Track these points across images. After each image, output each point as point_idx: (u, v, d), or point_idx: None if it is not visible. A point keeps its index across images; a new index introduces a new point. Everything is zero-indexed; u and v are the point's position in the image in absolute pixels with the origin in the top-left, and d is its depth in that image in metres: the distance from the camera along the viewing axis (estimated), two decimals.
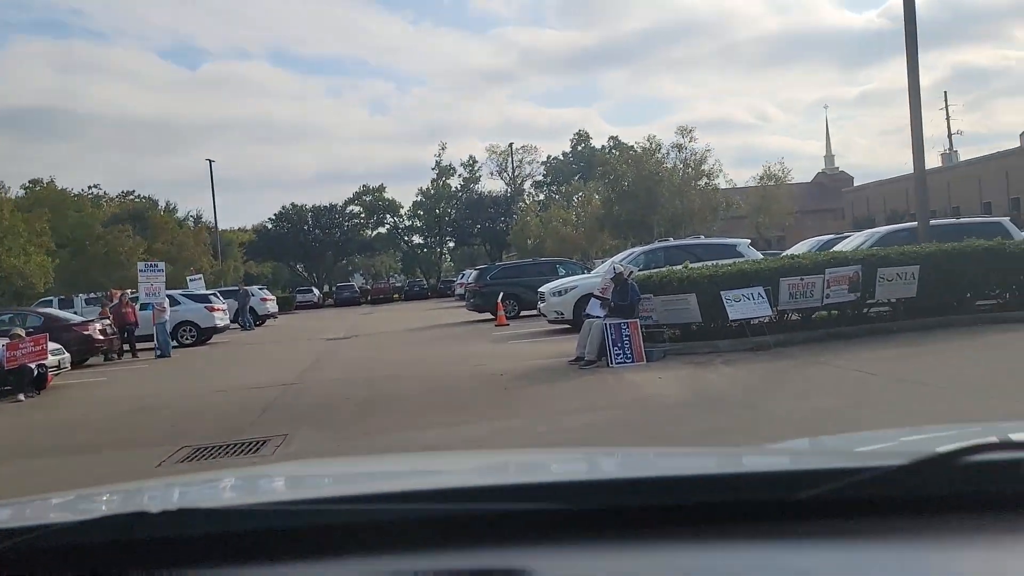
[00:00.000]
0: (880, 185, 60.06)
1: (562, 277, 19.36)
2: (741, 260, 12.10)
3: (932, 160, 58.75)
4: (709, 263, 12.53)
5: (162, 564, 0.93)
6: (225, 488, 1.53)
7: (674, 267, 12.45)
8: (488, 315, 21.76)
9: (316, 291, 57.03)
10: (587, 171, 59.11)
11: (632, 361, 10.51)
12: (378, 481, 1.52)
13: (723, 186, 40.55)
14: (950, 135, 60.54)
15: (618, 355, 10.53)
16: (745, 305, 10.80)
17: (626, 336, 10.58)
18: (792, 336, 11.12)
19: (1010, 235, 15.32)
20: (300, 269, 67.56)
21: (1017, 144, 46.61)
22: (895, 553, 0.90)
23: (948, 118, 62.03)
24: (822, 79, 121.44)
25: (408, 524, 0.98)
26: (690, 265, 12.25)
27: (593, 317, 10.97)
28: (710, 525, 0.96)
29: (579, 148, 73.00)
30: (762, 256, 15.74)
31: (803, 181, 79.86)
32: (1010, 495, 0.95)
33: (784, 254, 17.32)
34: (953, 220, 16.82)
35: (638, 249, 17.22)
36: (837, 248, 15.71)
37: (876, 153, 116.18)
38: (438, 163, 67.82)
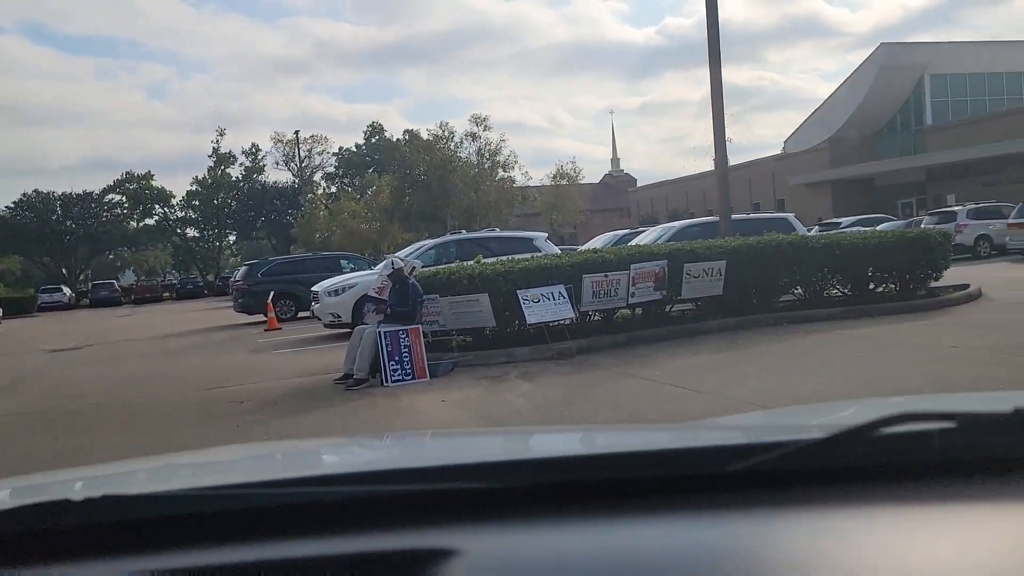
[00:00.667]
0: (661, 186, 63.29)
1: (347, 274, 17.05)
2: (539, 255, 10.55)
3: (706, 164, 63.35)
4: (504, 258, 10.90)
5: (86, 553, 0.91)
6: (147, 474, 1.51)
7: (466, 263, 10.64)
8: (261, 317, 18.87)
9: (66, 290, 49.48)
10: (381, 164, 56.56)
11: (413, 378, 8.54)
12: (301, 465, 1.52)
13: (519, 180, 39.93)
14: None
15: (395, 371, 8.52)
16: (544, 306, 9.23)
17: (405, 347, 8.59)
18: (596, 341, 9.73)
19: (795, 230, 15.29)
20: (48, 263, 58.61)
21: (779, 151, 50.74)
22: (816, 520, 0.92)
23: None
24: (609, 88, 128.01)
25: (332, 507, 0.97)
26: (483, 260, 10.52)
27: (366, 325, 8.88)
28: (640, 500, 0.98)
29: (373, 140, 69.96)
30: (560, 251, 14.46)
31: (592, 182, 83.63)
32: (920, 465, 0.99)
33: (583, 248, 16.31)
34: (748, 215, 16.60)
35: (428, 242, 15.30)
36: (637, 242, 14.86)
37: (655, 159, 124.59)
38: (216, 150, 61.87)
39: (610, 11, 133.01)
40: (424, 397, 7.78)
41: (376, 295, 9.33)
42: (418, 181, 32.44)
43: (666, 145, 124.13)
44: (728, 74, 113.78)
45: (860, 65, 42.49)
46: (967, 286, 12.94)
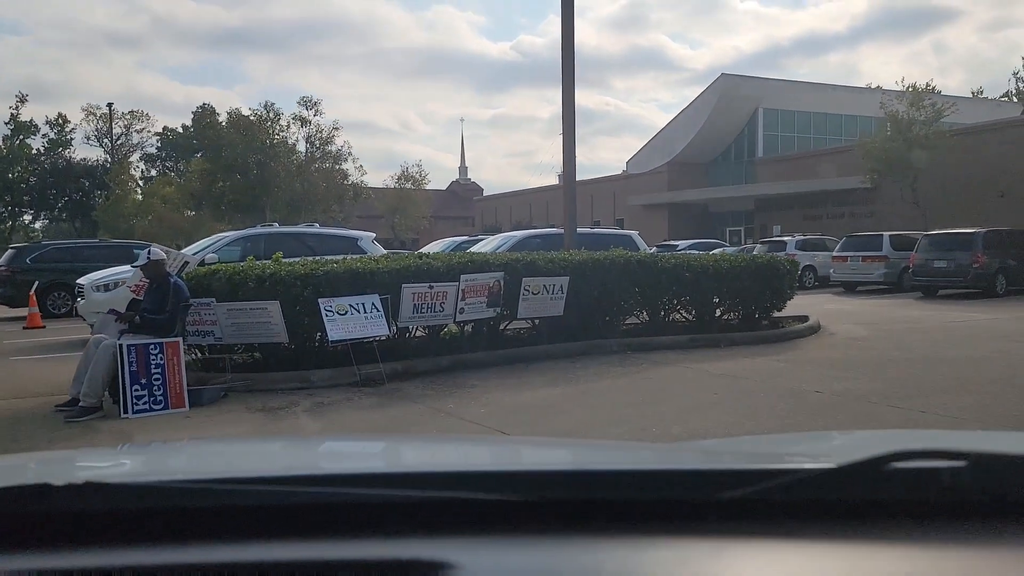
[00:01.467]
0: (507, 197, 62.98)
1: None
2: (356, 258, 8.71)
3: (551, 180, 63.75)
4: (315, 259, 8.96)
5: (63, 540, 0.88)
6: (133, 463, 1.45)
7: (262, 261, 8.60)
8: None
9: None
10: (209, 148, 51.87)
11: (165, 407, 6.47)
12: (297, 463, 1.45)
13: (355, 176, 37.32)
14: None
15: (140, 398, 6.40)
16: (353, 320, 7.43)
17: (157, 366, 6.49)
18: (415, 364, 8.05)
19: (638, 248, 14.44)
20: None
21: (616, 166, 51.74)
22: (808, 554, 0.89)
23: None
24: (461, 98, 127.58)
25: (324, 509, 0.94)
26: (283, 259, 8.52)
27: (103, 336, 6.67)
28: (641, 522, 0.95)
29: (204, 124, 64.33)
30: (384, 252, 12.64)
31: (439, 188, 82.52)
32: (929, 502, 0.96)
33: (410, 253, 14.56)
34: (594, 229, 15.58)
35: (231, 234, 12.95)
36: (474, 251, 13.34)
37: (504, 171, 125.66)
38: (14, 117, 54.22)
39: (467, 22, 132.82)
40: (174, 436, 5.76)
41: (134, 292, 7.16)
42: (234, 165, 28.92)
43: (514, 159, 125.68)
44: (577, 97, 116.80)
45: (701, 93, 43.91)
46: (807, 317, 12.51)
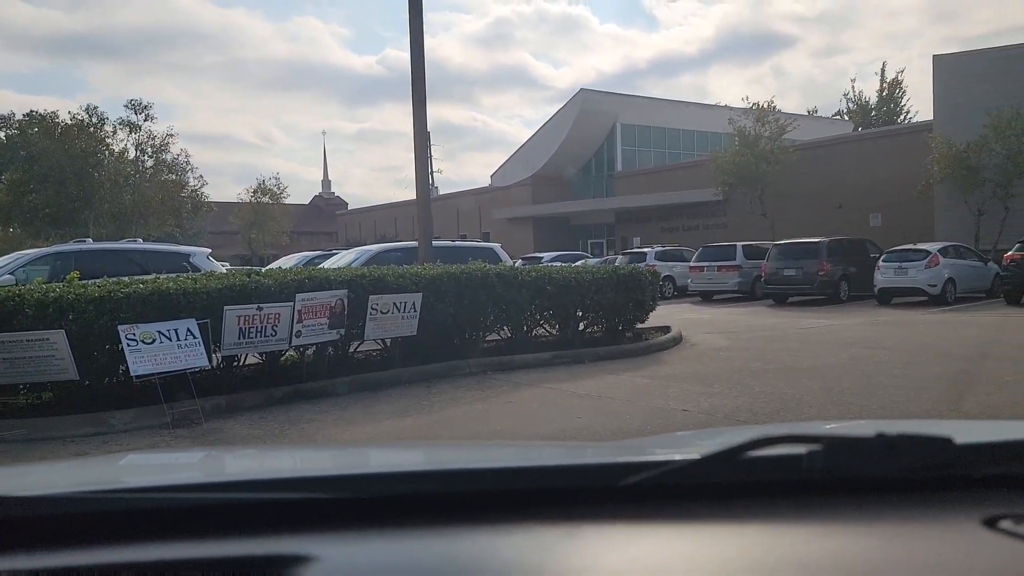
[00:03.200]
0: (371, 210, 61.48)
1: None
2: (171, 277, 7.49)
3: (409, 191, 62.80)
4: (117, 280, 7.63)
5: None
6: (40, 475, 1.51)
7: (54, 282, 7.24)
8: None
9: None
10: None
11: None
12: (164, 473, 1.55)
13: (196, 185, 34.41)
14: (432, 172, 65.69)
15: None
16: (163, 350, 6.29)
17: None
18: (242, 398, 6.99)
19: (501, 260, 13.88)
20: None
21: (484, 181, 51.55)
22: (686, 533, 0.97)
23: (431, 158, 67.33)
24: (325, 111, 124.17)
25: (191, 512, 0.99)
26: (109, 278, 7.22)
27: None
28: (511, 513, 1.00)
29: (32, 132, 58.60)
30: (224, 270, 11.33)
31: (301, 203, 79.55)
32: (791, 483, 1.06)
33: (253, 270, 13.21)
34: (453, 242, 14.86)
35: (33, 252, 11.18)
36: (325, 266, 12.28)
37: (371, 186, 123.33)
38: None
39: (331, 34, 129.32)
40: None
41: None
42: (49, 175, 25.62)
43: (382, 173, 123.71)
44: (444, 112, 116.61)
45: (562, 107, 44.50)
46: (669, 328, 12.37)
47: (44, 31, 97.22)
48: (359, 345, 8.83)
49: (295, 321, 7.20)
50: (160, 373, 6.28)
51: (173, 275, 7.86)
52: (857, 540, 0.94)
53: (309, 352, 7.99)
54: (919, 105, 53.40)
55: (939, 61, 27.07)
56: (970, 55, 26.68)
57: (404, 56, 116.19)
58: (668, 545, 0.94)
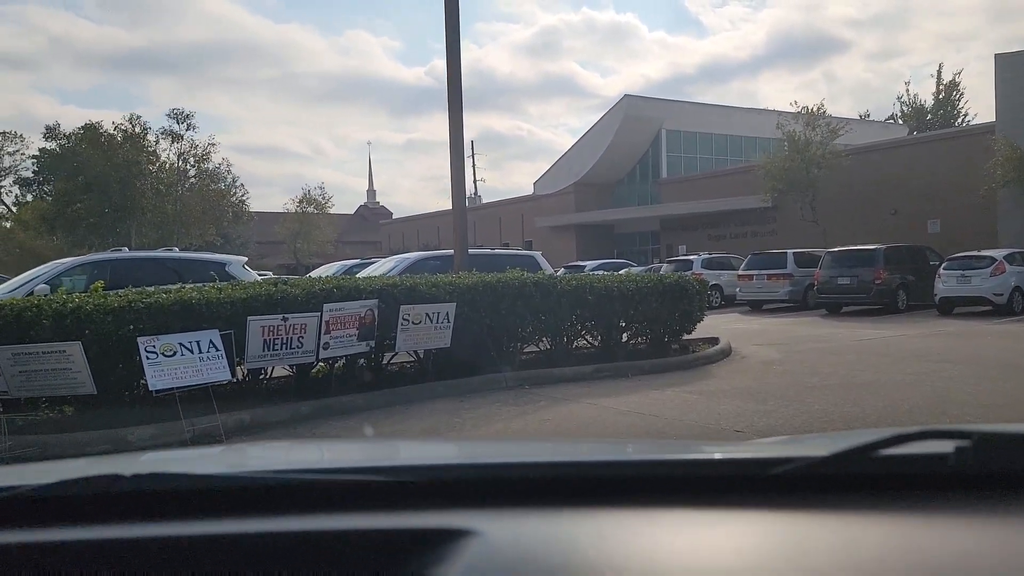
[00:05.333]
0: (415, 220, 61.63)
1: None
2: (196, 287, 7.22)
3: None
4: (174, 287, 7.44)
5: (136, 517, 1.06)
6: (194, 459, 1.87)
7: (77, 292, 7.05)
8: None
9: None
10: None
11: None
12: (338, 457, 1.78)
13: (238, 194, 34.66)
14: (475, 181, 65.76)
15: None
16: (184, 363, 6.03)
17: None
18: (268, 413, 6.69)
19: (541, 269, 13.46)
20: None
21: (529, 190, 51.14)
22: (840, 526, 0.97)
23: (475, 167, 67.35)
24: (374, 122, 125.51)
25: (366, 490, 1.13)
26: (146, 288, 7.02)
27: None
28: (654, 500, 1.07)
29: (83, 146, 59.99)
30: (259, 278, 11.12)
31: (347, 212, 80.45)
32: (932, 480, 1.05)
33: (292, 279, 12.96)
34: (492, 250, 14.48)
35: (69, 260, 11.14)
36: (363, 275, 12.01)
37: (418, 195, 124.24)
38: None
39: (382, 47, 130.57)
40: None
41: None
42: (93, 184, 25.92)
43: (428, 183, 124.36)
44: (490, 121, 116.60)
45: (605, 114, 43.92)
46: (717, 340, 11.80)
47: (107, 48, 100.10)
48: (393, 357, 8.51)
49: (322, 332, 6.89)
50: (180, 388, 6.02)
51: (199, 285, 7.63)
52: (1008, 535, 0.93)
53: (339, 364, 7.67)
54: (977, 108, 51.59)
55: (1001, 60, 25.86)
56: None
57: None
58: (813, 533, 0.96)
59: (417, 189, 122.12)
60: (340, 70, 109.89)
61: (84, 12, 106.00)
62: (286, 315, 6.65)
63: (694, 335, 11.46)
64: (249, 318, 6.44)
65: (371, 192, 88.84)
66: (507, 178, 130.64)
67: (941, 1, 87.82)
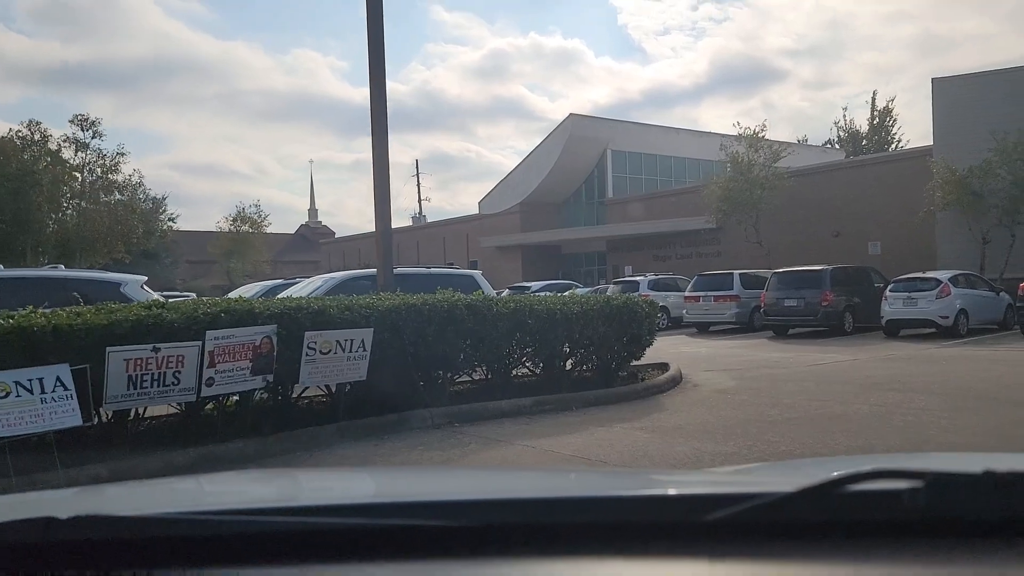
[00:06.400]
0: (355, 239, 60.05)
1: None
2: (45, 311, 5.95)
3: (404, 222, 61.54)
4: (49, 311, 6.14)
5: (74, 568, 0.94)
6: (135, 496, 1.55)
7: None
8: None
9: None
10: None
11: None
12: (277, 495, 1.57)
13: (147, 208, 32.61)
14: (419, 200, 64.70)
15: None
16: (18, 407, 4.80)
17: None
18: (129, 467, 5.46)
19: (481, 289, 12.45)
20: None
21: (476, 211, 50.20)
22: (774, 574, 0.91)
23: (419, 186, 66.34)
24: (321, 141, 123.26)
25: (300, 536, 1.00)
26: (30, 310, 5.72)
27: None
28: (571, 546, 0.97)
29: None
30: (160, 299, 9.78)
31: (287, 232, 78.24)
32: (885, 523, 0.98)
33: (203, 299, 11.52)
34: (427, 269, 13.41)
35: None
36: (283, 296, 10.79)
37: (365, 215, 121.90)
38: None
39: (329, 66, 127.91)
40: None
41: None
42: None
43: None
44: (439, 142, 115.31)
45: (551, 134, 43.34)
46: (667, 366, 10.97)
47: (42, 62, 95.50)
48: (304, 391, 7.37)
49: (205, 365, 5.72)
50: (14, 436, 4.79)
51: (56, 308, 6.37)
52: None
53: (230, 402, 6.49)
54: (909, 135, 52.89)
55: (939, 84, 26.10)
56: (970, 78, 25.73)
57: (400, 87, 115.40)
58: None
59: (364, 209, 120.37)
60: (286, 89, 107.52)
61: (16, 25, 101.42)
62: (157, 345, 5.47)
63: (643, 360, 10.60)
64: (109, 349, 5.24)
65: (312, 211, 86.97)
66: (455, 199, 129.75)
67: (872, 35, 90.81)
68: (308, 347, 6.36)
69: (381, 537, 0.99)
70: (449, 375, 8.05)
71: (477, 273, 13.99)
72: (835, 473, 0.99)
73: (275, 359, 6.25)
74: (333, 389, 7.16)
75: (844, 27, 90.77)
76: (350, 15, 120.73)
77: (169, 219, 49.62)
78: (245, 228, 48.94)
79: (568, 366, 9.53)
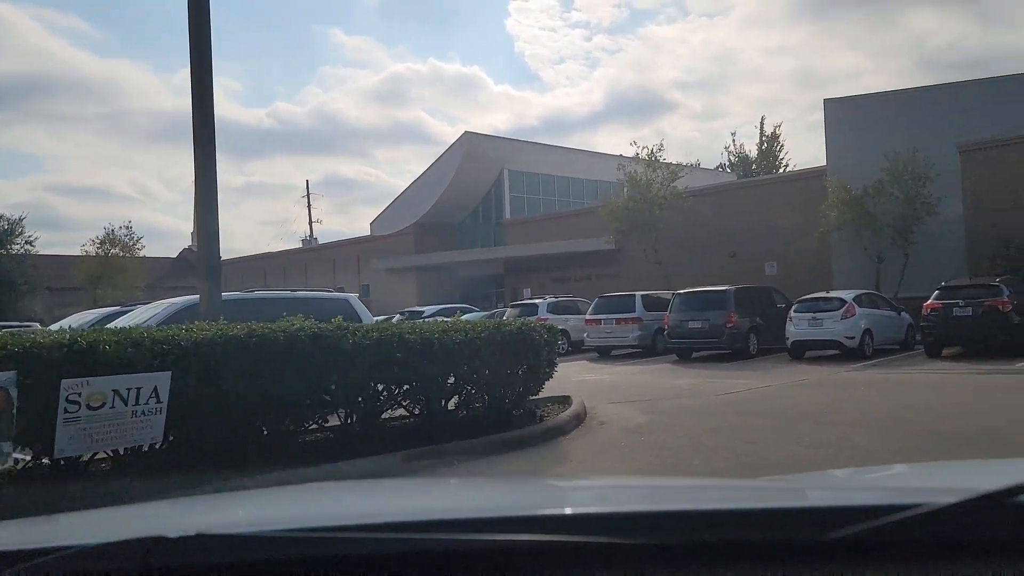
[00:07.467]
0: (239, 262, 56.59)
1: None
2: None
3: (293, 244, 58.47)
4: None
5: None
6: (242, 511, 1.43)
7: None
8: None
9: None
10: None
11: None
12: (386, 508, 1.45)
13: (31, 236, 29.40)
14: (311, 222, 61.76)
15: None
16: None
17: None
18: None
19: (358, 316, 10.64)
20: None
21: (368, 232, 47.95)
22: None
23: (310, 207, 63.35)
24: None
25: (422, 556, 0.93)
26: None
27: None
28: (741, 559, 0.90)
29: None
30: None
31: (169, 256, 73.39)
32: None
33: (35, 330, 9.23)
34: (280, 293, 11.47)
35: None
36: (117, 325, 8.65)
37: (258, 239, 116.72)
38: None
39: (221, 88, 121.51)
40: None
41: None
42: None
43: (269, 226, 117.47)
44: (337, 165, 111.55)
45: (445, 152, 41.85)
46: (569, 399, 9.50)
47: None
48: (92, 456, 5.40)
49: None
50: None
51: None
52: None
53: None
54: (795, 160, 54.58)
55: (831, 104, 26.30)
56: (860, 99, 26.07)
57: (297, 110, 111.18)
58: None
59: (256, 233, 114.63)
60: (174, 109, 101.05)
61: None
62: None
63: (542, 392, 9.11)
64: None
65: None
66: (354, 223, 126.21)
67: (755, 69, 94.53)
68: (68, 400, 4.45)
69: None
70: (292, 427, 6.23)
71: (352, 296, 12.20)
72: (996, 484, 0.84)
73: (15, 418, 4.31)
74: (122, 452, 5.22)
75: (730, 61, 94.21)
76: (244, 37, 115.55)
77: (27, 242, 45.19)
78: (115, 251, 45.00)
79: (452, 406, 7.91)
